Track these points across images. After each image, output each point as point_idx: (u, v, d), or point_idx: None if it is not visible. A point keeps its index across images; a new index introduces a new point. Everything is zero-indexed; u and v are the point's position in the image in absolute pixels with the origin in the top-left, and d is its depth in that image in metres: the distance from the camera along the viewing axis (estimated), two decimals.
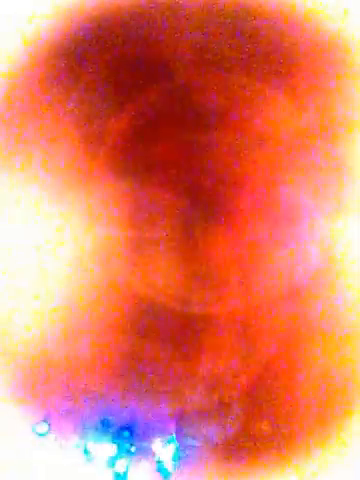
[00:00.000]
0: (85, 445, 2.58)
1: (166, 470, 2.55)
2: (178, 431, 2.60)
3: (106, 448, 2.57)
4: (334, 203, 2.46)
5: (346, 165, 2.44)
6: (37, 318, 2.49)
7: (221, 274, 2.56)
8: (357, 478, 2.33)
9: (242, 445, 2.49)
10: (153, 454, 2.58)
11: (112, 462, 2.54)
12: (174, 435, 2.60)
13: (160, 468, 2.56)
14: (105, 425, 2.60)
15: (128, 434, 2.59)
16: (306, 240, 2.48)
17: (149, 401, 2.54)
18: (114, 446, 2.57)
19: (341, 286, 2.46)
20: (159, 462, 2.57)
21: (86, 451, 2.57)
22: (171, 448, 2.58)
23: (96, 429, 2.60)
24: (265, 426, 2.53)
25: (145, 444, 2.58)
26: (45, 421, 2.55)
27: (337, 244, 2.46)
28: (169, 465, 2.56)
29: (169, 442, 2.59)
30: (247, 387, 2.50)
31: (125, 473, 2.52)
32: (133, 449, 2.57)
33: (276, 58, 2.41)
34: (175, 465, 2.56)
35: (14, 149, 2.45)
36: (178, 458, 2.57)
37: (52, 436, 2.56)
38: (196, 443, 2.59)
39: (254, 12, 2.36)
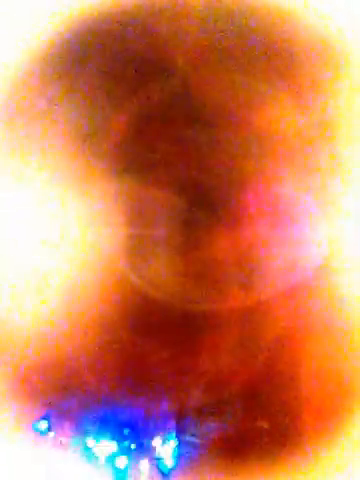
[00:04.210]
0: (85, 442, 2.58)
1: (166, 467, 2.56)
2: (178, 428, 2.61)
3: (106, 445, 2.57)
4: (334, 203, 2.46)
5: (346, 165, 2.44)
6: (37, 316, 2.48)
7: (221, 272, 2.56)
8: (358, 477, 2.34)
9: (242, 443, 2.51)
10: (153, 451, 2.58)
11: (112, 459, 2.55)
12: (174, 432, 2.61)
13: (160, 465, 2.57)
14: (104, 422, 2.60)
15: (128, 431, 2.60)
16: (306, 240, 2.48)
17: (149, 398, 2.55)
18: (114, 443, 2.58)
19: (341, 285, 2.47)
20: (159, 459, 2.57)
21: (86, 448, 2.58)
22: (171, 445, 2.59)
23: (96, 426, 2.60)
24: (265, 424, 2.54)
25: (145, 441, 2.59)
26: (45, 418, 2.55)
27: (337, 244, 2.46)
28: (169, 462, 2.57)
29: (169, 439, 2.60)
30: (247, 385, 2.51)
31: (125, 470, 2.53)
32: (133, 446, 2.58)
33: (277, 57, 2.40)
34: (175, 462, 2.57)
35: (14, 148, 2.44)
36: (178, 455, 2.58)
37: (51, 434, 2.57)
38: (196, 440, 2.60)
39: (255, 11, 2.35)
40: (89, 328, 2.49)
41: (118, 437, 2.59)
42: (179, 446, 2.59)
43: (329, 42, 2.37)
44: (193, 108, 2.48)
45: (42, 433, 2.55)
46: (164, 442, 2.59)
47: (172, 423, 2.61)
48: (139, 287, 2.52)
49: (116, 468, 2.53)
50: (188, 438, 2.60)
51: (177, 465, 2.56)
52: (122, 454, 2.55)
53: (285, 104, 2.44)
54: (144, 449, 2.58)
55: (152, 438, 2.59)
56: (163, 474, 2.55)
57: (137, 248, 2.54)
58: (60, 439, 2.57)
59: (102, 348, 2.51)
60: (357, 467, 2.36)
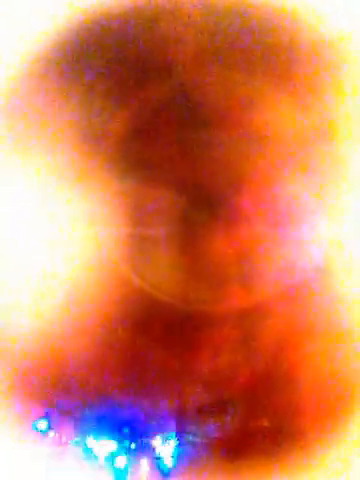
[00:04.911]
0: (85, 442, 2.59)
1: (166, 466, 2.57)
2: (178, 428, 2.61)
3: (106, 445, 2.58)
4: (334, 203, 2.46)
5: (346, 165, 2.44)
6: (37, 316, 2.49)
7: (221, 272, 2.56)
8: (357, 475, 2.34)
9: (241, 442, 2.51)
10: (153, 450, 2.59)
11: (112, 458, 2.56)
12: (174, 432, 2.61)
13: (160, 464, 2.57)
14: (105, 422, 2.61)
15: (128, 431, 2.60)
16: (306, 240, 2.48)
17: (149, 398, 2.55)
18: (114, 442, 2.59)
19: (340, 285, 2.46)
20: (159, 458, 2.58)
21: (86, 448, 2.59)
22: (171, 444, 2.60)
23: (96, 426, 2.61)
24: (264, 423, 2.54)
25: (145, 440, 2.60)
26: (45, 418, 2.56)
27: (337, 244, 2.46)
28: (169, 461, 2.57)
29: (169, 439, 2.61)
30: (246, 384, 2.51)
31: (125, 469, 2.53)
32: (133, 445, 2.59)
33: (276, 58, 2.40)
34: (175, 462, 2.57)
35: (15, 148, 2.44)
36: (178, 454, 2.58)
37: (52, 433, 2.57)
38: (196, 440, 2.60)
39: (254, 12, 2.35)
40: (89, 328, 2.50)
41: (118, 436, 2.59)
42: (179, 446, 2.59)
43: (329, 42, 2.36)
44: (193, 108, 2.47)
45: (42, 432, 2.56)
46: (164, 442, 2.60)
47: (172, 423, 2.61)
48: (139, 287, 2.52)
49: (116, 467, 2.53)
50: (188, 438, 2.60)
51: (177, 464, 2.56)
52: (122, 453, 2.56)
53: (285, 104, 2.43)
54: (144, 448, 2.59)
55: (152, 438, 2.60)
56: (163, 473, 2.55)
57: (137, 248, 2.55)
58: (60, 438, 2.58)
59: (102, 348, 2.51)
60: (357, 467, 2.35)
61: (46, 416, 2.57)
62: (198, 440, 2.60)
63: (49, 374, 2.48)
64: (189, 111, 2.48)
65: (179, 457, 2.57)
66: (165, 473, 2.56)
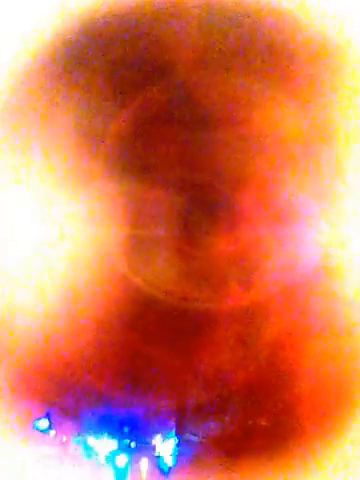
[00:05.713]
0: (85, 441, 2.59)
1: (166, 465, 2.57)
2: (177, 426, 2.62)
3: (106, 443, 2.58)
4: (334, 203, 2.46)
5: (346, 165, 2.43)
6: (37, 315, 2.49)
7: (220, 272, 2.56)
8: (357, 475, 2.34)
9: (241, 441, 2.51)
10: (153, 449, 2.59)
11: (112, 457, 2.56)
12: (174, 430, 2.61)
13: (160, 463, 2.58)
14: (105, 421, 2.61)
15: (128, 429, 2.61)
16: (305, 239, 2.48)
17: (149, 397, 2.56)
18: (114, 441, 2.59)
19: (340, 284, 2.46)
20: (159, 457, 2.58)
21: (86, 446, 2.59)
22: (171, 443, 2.60)
23: (96, 425, 2.61)
24: (264, 422, 2.54)
25: (145, 439, 2.60)
26: (46, 417, 2.56)
27: (337, 244, 2.46)
28: (169, 460, 2.58)
29: (169, 437, 2.61)
30: (246, 383, 2.52)
31: (125, 468, 2.54)
32: (133, 444, 2.59)
33: (276, 58, 2.39)
34: (174, 460, 2.58)
35: (15, 148, 2.44)
36: (177, 453, 2.59)
37: (52, 432, 2.58)
38: (195, 438, 2.60)
39: (254, 12, 2.34)
40: (89, 327, 2.50)
41: (118, 435, 2.60)
42: (179, 444, 2.60)
43: (329, 42, 2.36)
44: (193, 109, 2.47)
45: (43, 432, 2.56)
46: (164, 440, 2.60)
47: (172, 421, 2.61)
48: (139, 287, 2.52)
49: (116, 466, 2.54)
50: (188, 436, 2.61)
51: (177, 463, 2.57)
52: (122, 452, 2.56)
53: (285, 104, 2.43)
54: (144, 447, 2.59)
55: (152, 436, 2.60)
56: (163, 472, 2.56)
57: (137, 248, 2.55)
58: (61, 437, 2.59)
59: (102, 347, 2.51)
60: (357, 467, 2.36)
61: (47, 415, 2.58)
62: (198, 439, 2.60)
63: (49, 373, 2.48)
64: (189, 111, 2.48)
65: (179, 456, 2.58)
66: (165, 472, 2.56)
